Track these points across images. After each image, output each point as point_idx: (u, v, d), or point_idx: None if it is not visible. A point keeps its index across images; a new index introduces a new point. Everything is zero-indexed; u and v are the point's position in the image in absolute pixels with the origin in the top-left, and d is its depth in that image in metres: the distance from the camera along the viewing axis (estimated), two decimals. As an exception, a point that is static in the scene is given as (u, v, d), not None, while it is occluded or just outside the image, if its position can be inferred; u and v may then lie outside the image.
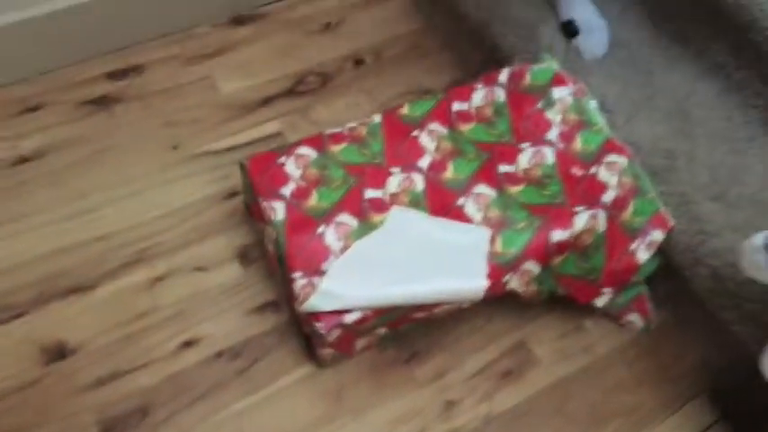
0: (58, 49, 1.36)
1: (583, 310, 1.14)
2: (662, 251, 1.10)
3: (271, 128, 1.34)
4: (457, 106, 1.18)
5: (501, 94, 1.19)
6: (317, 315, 0.97)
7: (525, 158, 1.12)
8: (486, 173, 1.10)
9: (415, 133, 1.14)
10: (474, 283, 1.00)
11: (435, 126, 1.15)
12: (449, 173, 1.10)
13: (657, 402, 1.12)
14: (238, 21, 1.50)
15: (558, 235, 1.04)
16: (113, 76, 1.39)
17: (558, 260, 1.06)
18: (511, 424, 1.08)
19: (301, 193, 1.06)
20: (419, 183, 1.09)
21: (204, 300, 1.15)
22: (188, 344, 1.11)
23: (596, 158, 1.12)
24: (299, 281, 0.98)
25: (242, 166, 1.10)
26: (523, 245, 1.03)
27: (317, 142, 1.12)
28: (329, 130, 1.15)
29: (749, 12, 1.12)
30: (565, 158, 1.12)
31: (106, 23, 1.37)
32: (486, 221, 1.05)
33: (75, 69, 1.38)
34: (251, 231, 1.22)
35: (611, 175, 1.10)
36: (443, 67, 1.41)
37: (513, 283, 1.04)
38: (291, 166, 1.09)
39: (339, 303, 0.97)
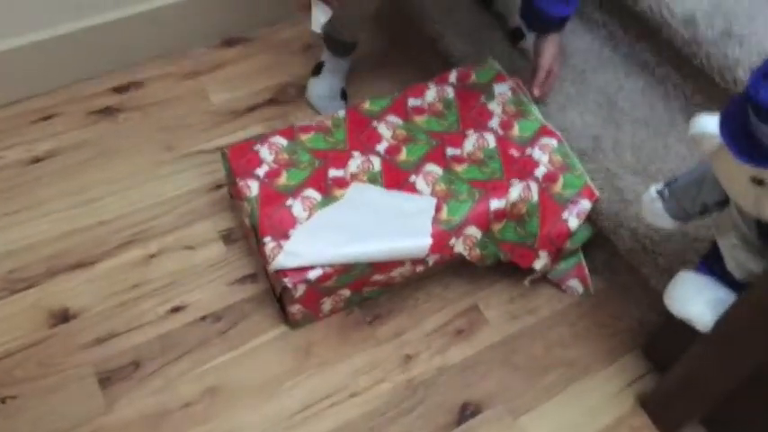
0: (68, 68, 1.56)
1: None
2: (591, 220, 1.25)
3: (255, 130, 1.52)
4: (412, 102, 1.35)
5: (450, 92, 1.37)
6: (284, 272, 1.13)
7: (470, 143, 1.29)
8: (436, 155, 1.26)
9: (374, 124, 1.31)
10: (420, 242, 1.15)
11: (392, 118, 1.32)
12: (403, 155, 1.27)
13: (594, 356, 1.25)
14: (229, 43, 1.70)
15: (496, 204, 1.19)
16: (117, 90, 1.58)
17: (497, 227, 1.21)
18: (462, 373, 1.21)
19: (273, 174, 1.23)
20: (376, 164, 1.25)
21: (191, 273, 1.31)
22: (176, 309, 1.26)
23: (531, 142, 1.28)
24: (269, 244, 1.14)
25: (223, 154, 1.28)
26: (466, 212, 1.18)
27: (288, 133, 1.30)
28: (299, 123, 1.32)
29: (660, 14, 1.29)
30: (504, 143, 1.28)
31: (111, 45, 1.57)
32: (434, 194, 1.21)
33: (84, 85, 1.58)
34: (234, 216, 1.38)
35: (543, 154, 1.26)
36: (407, 76, 1.58)
37: (459, 246, 1.19)
38: (265, 152, 1.26)
39: (302, 261, 1.12)
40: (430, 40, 1.57)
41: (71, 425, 1.12)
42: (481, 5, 1.54)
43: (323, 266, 1.13)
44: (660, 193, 1.01)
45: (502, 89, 1.35)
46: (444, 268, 1.30)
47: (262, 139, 1.28)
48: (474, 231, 1.19)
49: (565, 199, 1.22)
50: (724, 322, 0.94)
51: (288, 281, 1.12)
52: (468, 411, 1.17)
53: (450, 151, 1.28)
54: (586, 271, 1.30)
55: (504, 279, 1.33)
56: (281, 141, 1.28)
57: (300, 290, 1.14)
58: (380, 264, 1.17)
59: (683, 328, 1.01)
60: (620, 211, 1.21)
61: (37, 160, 1.45)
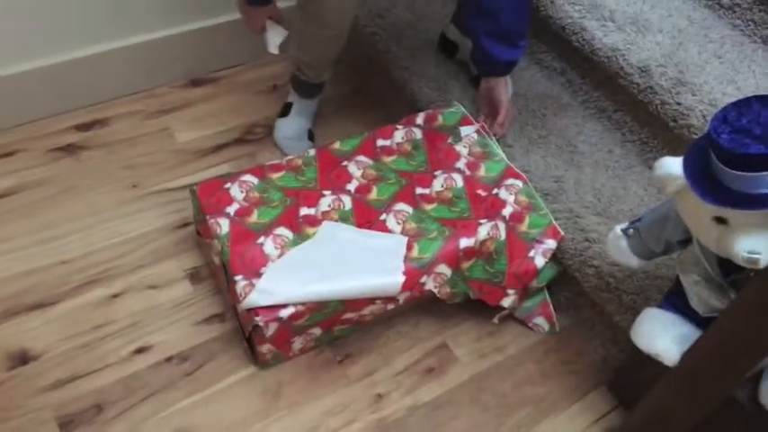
0: (31, 105, 1.53)
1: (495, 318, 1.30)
2: (556, 259, 1.29)
3: (221, 170, 1.52)
4: (381, 142, 1.38)
5: (418, 133, 1.40)
6: (255, 310, 1.12)
7: (438, 183, 1.31)
8: (405, 194, 1.29)
9: (344, 163, 1.33)
10: (392, 279, 1.16)
11: (362, 158, 1.34)
12: (373, 194, 1.28)
13: (561, 393, 1.27)
14: (195, 83, 1.70)
15: (465, 242, 1.21)
16: (81, 127, 1.56)
17: (467, 265, 1.23)
18: (432, 413, 1.21)
19: (244, 212, 1.23)
20: (347, 202, 1.27)
21: (156, 313, 1.28)
22: (140, 350, 1.23)
23: (497, 182, 1.32)
24: (241, 282, 1.13)
25: (192, 191, 1.27)
26: (436, 250, 1.20)
27: (259, 172, 1.30)
28: (269, 162, 1.33)
29: (616, 62, 1.36)
30: (471, 183, 1.32)
31: (76, 83, 1.55)
32: (404, 232, 1.22)
33: (47, 122, 1.56)
34: (200, 255, 1.37)
35: (509, 194, 1.29)
36: (374, 119, 1.61)
37: (429, 284, 1.20)
38: (236, 190, 1.26)
39: (274, 299, 1.12)
40: (396, 85, 1.61)
41: (29, 472, 1.07)
42: (445, 55, 1.59)
43: (295, 305, 1.13)
44: (625, 231, 1.05)
45: (468, 131, 1.39)
46: (414, 306, 1.31)
47: (232, 177, 1.28)
48: (444, 269, 1.21)
49: (531, 238, 1.25)
50: (689, 357, 0.97)
51: (259, 319, 1.11)
52: (439, 451, 1.17)
53: (419, 190, 1.30)
54: (551, 308, 1.33)
55: (472, 317, 1.34)
56: (251, 180, 1.28)
57: (272, 329, 1.13)
58: (352, 302, 1.17)
59: (647, 365, 1.04)
60: (584, 250, 1.25)
61: (-4, 197, 1.41)
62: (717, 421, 1.03)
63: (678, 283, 1.03)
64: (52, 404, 1.14)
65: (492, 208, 1.28)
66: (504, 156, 1.37)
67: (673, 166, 0.89)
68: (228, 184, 1.27)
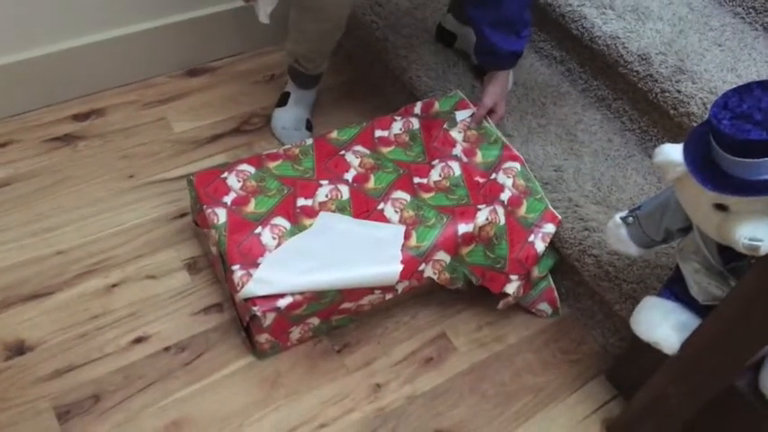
0: (26, 95, 1.52)
1: (496, 309, 1.29)
2: (555, 248, 1.28)
3: (218, 160, 1.51)
4: (378, 133, 1.37)
5: (415, 123, 1.39)
6: (253, 300, 1.11)
7: (436, 173, 1.30)
8: (403, 183, 1.28)
9: (341, 153, 1.32)
10: (390, 269, 1.15)
11: (359, 148, 1.33)
12: (370, 184, 1.28)
13: (561, 382, 1.26)
14: (192, 73, 1.69)
15: (464, 228, 1.21)
16: (77, 117, 1.55)
17: (466, 250, 1.23)
18: (431, 402, 1.21)
19: (241, 201, 1.22)
20: (344, 192, 1.26)
21: (154, 303, 1.27)
22: (138, 340, 1.22)
23: (495, 167, 1.31)
24: (238, 272, 1.12)
25: (189, 181, 1.26)
26: (434, 237, 1.19)
27: (256, 161, 1.29)
28: (266, 151, 1.32)
29: (616, 50, 1.35)
30: (469, 170, 1.31)
31: (72, 73, 1.54)
32: (402, 221, 1.22)
33: (43, 112, 1.55)
34: (198, 245, 1.36)
35: (508, 178, 1.29)
36: (372, 109, 1.61)
37: (428, 271, 1.20)
38: (233, 180, 1.25)
39: (272, 288, 1.11)
40: (394, 74, 1.59)
41: (26, 463, 1.07)
42: (443, 44, 1.58)
43: (293, 294, 1.12)
44: (624, 219, 1.05)
45: (463, 115, 1.38)
46: (413, 296, 1.31)
47: (229, 166, 1.27)
48: (443, 256, 1.20)
49: (529, 223, 1.25)
50: (689, 345, 0.97)
51: (257, 309, 1.11)
52: (438, 440, 1.17)
53: (417, 180, 1.29)
54: (555, 293, 1.32)
55: (471, 307, 1.34)
56: (248, 169, 1.27)
57: (269, 318, 1.13)
58: (350, 291, 1.17)
59: (647, 353, 1.04)
60: (583, 239, 1.24)
61: (-9, 188, 1.40)
62: (717, 409, 1.03)
63: (678, 271, 1.02)
64: (50, 394, 1.14)
65: (490, 193, 1.27)
66: (499, 134, 1.36)
67: (672, 152, 0.88)
68: (225, 174, 1.26)
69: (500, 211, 1.24)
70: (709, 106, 1.22)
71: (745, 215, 0.83)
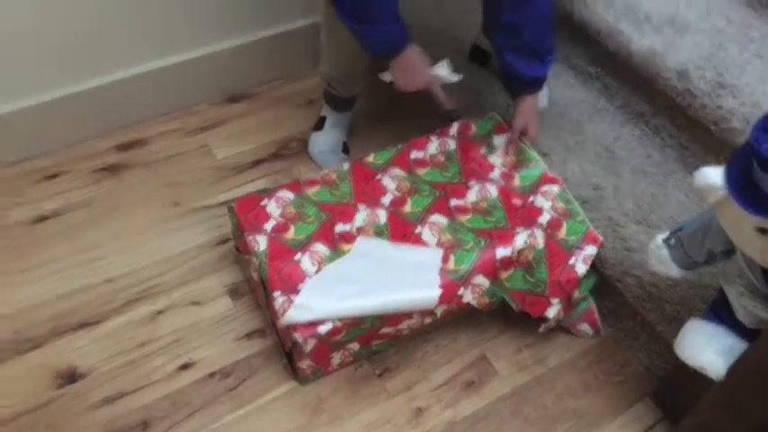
0: (73, 127, 1.58)
1: (536, 330, 1.28)
2: (596, 268, 1.27)
3: (259, 185, 1.54)
4: (414, 154, 1.38)
5: (452, 144, 1.39)
6: (294, 327, 1.13)
7: (473, 194, 1.31)
8: (440, 206, 1.28)
9: (378, 176, 1.33)
10: (428, 293, 1.16)
11: (396, 171, 1.34)
12: (407, 207, 1.28)
13: (604, 406, 1.24)
14: (233, 99, 1.73)
15: (502, 251, 1.21)
16: (121, 147, 1.60)
17: (505, 275, 1.22)
18: (473, 426, 1.20)
19: (281, 228, 1.24)
20: (382, 216, 1.27)
21: (199, 329, 1.30)
22: (184, 367, 1.25)
23: (533, 189, 1.30)
24: (279, 299, 1.14)
25: (230, 208, 1.29)
26: (473, 261, 1.19)
27: (294, 187, 1.31)
28: (304, 177, 1.34)
29: (654, 65, 1.33)
30: (506, 192, 1.31)
31: (115, 104, 1.59)
32: (440, 244, 1.22)
33: (88, 143, 1.60)
34: (240, 271, 1.39)
35: (546, 200, 1.28)
36: (408, 130, 1.61)
37: (467, 296, 1.20)
38: (272, 206, 1.27)
39: (312, 315, 1.13)
40: (429, 96, 1.60)
41: (79, 488, 1.10)
42: (477, 65, 1.58)
43: (333, 320, 1.13)
44: (666, 241, 1.03)
45: (500, 140, 1.38)
46: (452, 320, 1.31)
47: (268, 193, 1.30)
48: (482, 280, 1.20)
49: (570, 245, 1.24)
50: (735, 370, 0.95)
51: (298, 336, 1.12)
52: (481, 465, 1.16)
53: (453, 202, 1.30)
54: (596, 315, 1.31)
55: (510, 329, 1.33)
56: (287, 195, 1.29)
57: (310, 344, 1.14)
58: (390, 316, 1.17)
59: (693, 376, 1.02)
60: (625, 259, 1.23)
61: (42, 219, 1.45)
62: (766, 436, 1.00)
63: (722, 294, 1.00)
64: (101, 421, 1.18)
65: (528, 216, 1.26)
66: (539, 158, 1.35)
67: (712, 175, 0.87)
68: (265, 201, 1.28)
69: (539, 234, 1.23)
70: (751, 121, 1.20)
71: (789, 239, 0.82)
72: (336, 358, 1.22)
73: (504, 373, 1.28)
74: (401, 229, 1.25)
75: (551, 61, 1.30)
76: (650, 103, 1.43)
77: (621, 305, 1.31)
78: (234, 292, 1.36)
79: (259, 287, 1.24)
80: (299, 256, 1.20)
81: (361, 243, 1.23)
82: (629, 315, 1.31)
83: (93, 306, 1.32)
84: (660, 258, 1.05)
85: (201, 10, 1.56)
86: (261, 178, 1.56)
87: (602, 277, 1.28)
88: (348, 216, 1.27)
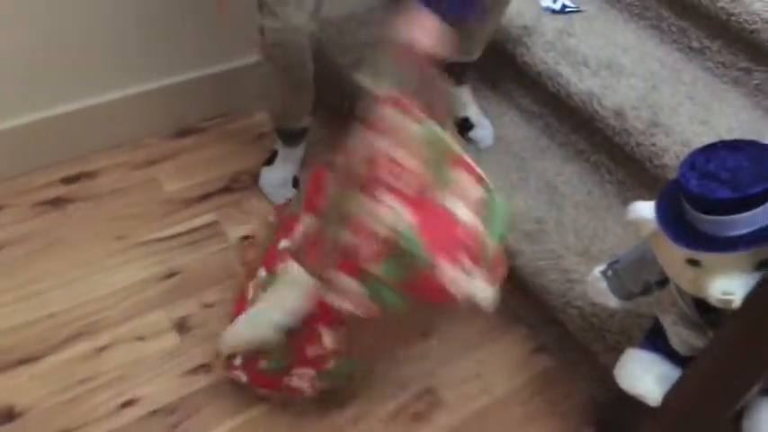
0: (16, 160, 1.55)
1: (481, 360, 1.30)
2: (540, 300, 1.30)
3: (208, 218, 1.53)
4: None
5: None
6: None
7: None
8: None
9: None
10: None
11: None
12: None
13: (550, 436, 1.27)
14: (182, 133, 1.73)
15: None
16: (67, 180, 1.58)
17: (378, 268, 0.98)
18: (421, 459, 1.21)
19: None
20: None
21: (143, 365, 1.28)
22: (127, 403, 1.22)
23: None
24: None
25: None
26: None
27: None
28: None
29: (591, 106, 1.40)
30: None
31: (62, 137, 1.57)
32: None
33: (32, 176, 1.57)
34: (188, 305, 1.37)
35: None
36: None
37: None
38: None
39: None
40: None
41: None
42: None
43: None
44: (604, 273, 1.07)
45: None
46: (394, 352, 1.31)
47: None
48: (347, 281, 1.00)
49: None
50: (672, 396, 0.98)
51: None
52: (429, 498, 1.16)
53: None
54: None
55: (456, 360, 1.35)
56: None
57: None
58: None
59: (633, 404, 1.05)
60: (567, 291, 1.27)
61: (-20, 255, 1.42)
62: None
63: (657, 323, 1.05)
64: (38, 461, 1.14)
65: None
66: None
67: (645, 210, 0.92)
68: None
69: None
70: (682, 158, 1.26)
71: (717, 269, 0.86)
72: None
73: (450, 404, 1.29)
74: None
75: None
76: (590, 141, 1.49)
77: (564, 336, 1.35)
78: (181, 327, 1.34)
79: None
80: None
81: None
82: (571, 346, 1.34)
83: (33, 342, 1.28)
84: (598, 290, 1.09)
85: (149, 45, 1.57)
86: (210, 212, 1.56)
87: (544, 309, 1.32)
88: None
